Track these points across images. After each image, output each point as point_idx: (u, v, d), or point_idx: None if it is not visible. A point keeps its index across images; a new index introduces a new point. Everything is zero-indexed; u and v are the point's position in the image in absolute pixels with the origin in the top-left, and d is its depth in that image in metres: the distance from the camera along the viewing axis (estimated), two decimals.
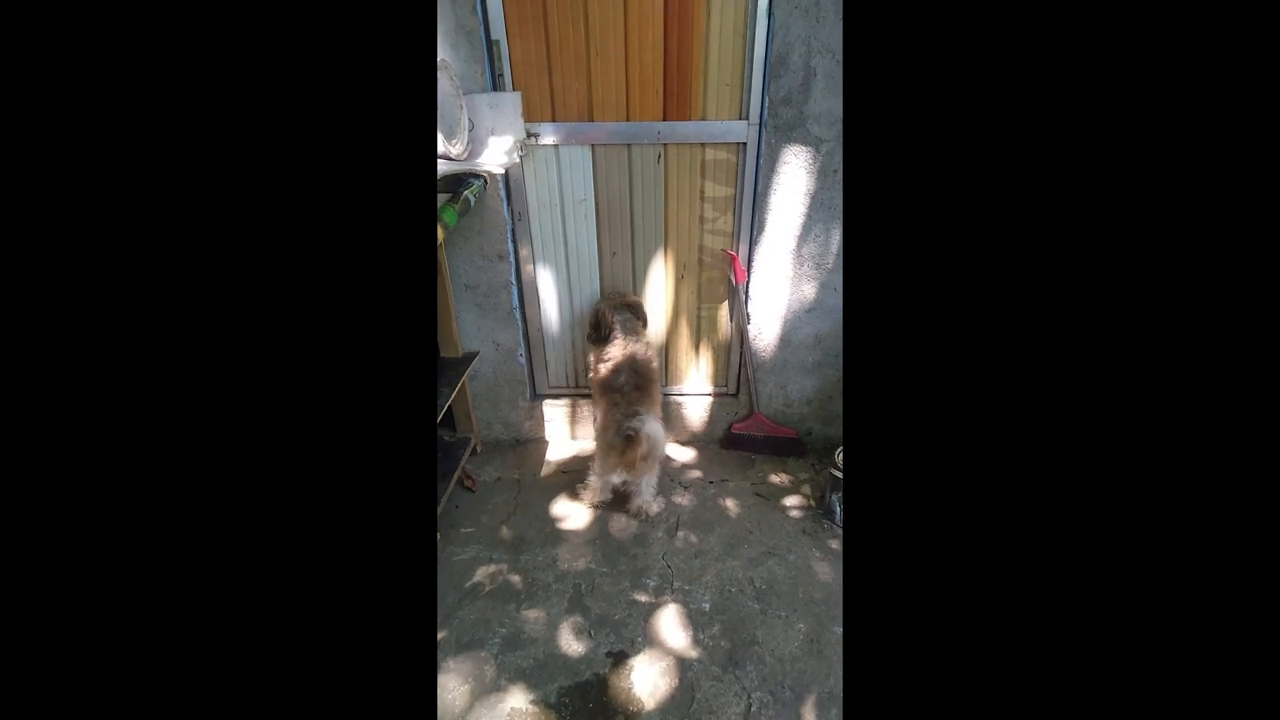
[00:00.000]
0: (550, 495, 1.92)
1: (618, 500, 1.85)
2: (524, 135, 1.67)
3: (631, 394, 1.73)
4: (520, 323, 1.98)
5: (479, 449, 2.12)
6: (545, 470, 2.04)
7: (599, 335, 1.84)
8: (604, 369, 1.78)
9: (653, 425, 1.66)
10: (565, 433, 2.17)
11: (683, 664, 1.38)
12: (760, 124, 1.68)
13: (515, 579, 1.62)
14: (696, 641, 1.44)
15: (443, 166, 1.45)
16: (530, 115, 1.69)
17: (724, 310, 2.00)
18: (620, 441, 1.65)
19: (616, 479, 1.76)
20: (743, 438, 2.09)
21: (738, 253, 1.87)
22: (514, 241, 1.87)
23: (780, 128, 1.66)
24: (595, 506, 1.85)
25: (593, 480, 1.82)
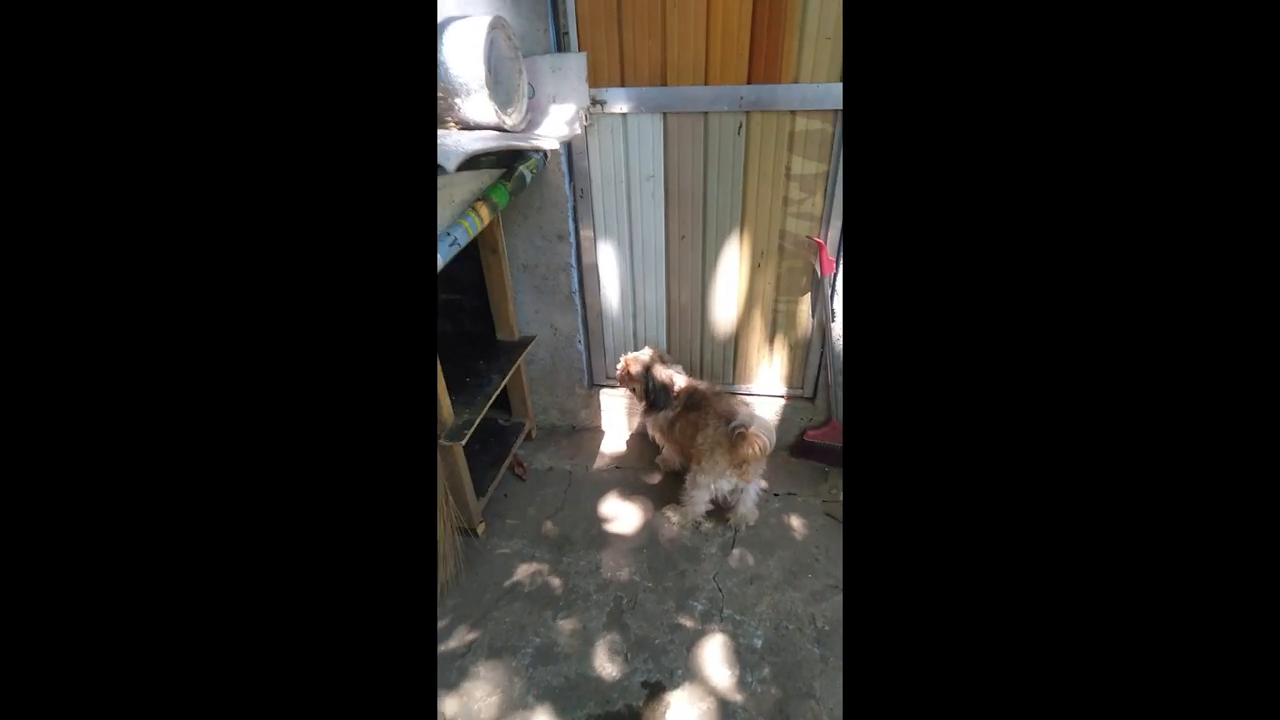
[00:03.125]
0: (601, 491, 1.82)
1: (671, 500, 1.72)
2: (588, 102, 1.50)
3: (713, 402, 1.60)
4: (579, 308, 1.86)
5: (534, 434, 2.06)
6: (599, 463, 1.94)
7: (659, 398, 1.68)
8: (671, 414, 1.69)
9: (762, 418, 1.51)
10: (622, 423, 2.05)
11: (725, 709, 1.24)
12: None
13: (555, 582, 1.54)
14: (743, 684, 1.29)
15: (495, 139, 1.32)
16: (596, 79, 1.51)
17: (805, 304, 1.76)
18: (729, 439, 1.49)
19: (726, 485, 1.58)
20: (817, 447, 1.87)
21: (825, 240, 1.62)
22: (575, 221, 1.73)
23: None
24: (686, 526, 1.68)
25: (692, 495, 1.63)
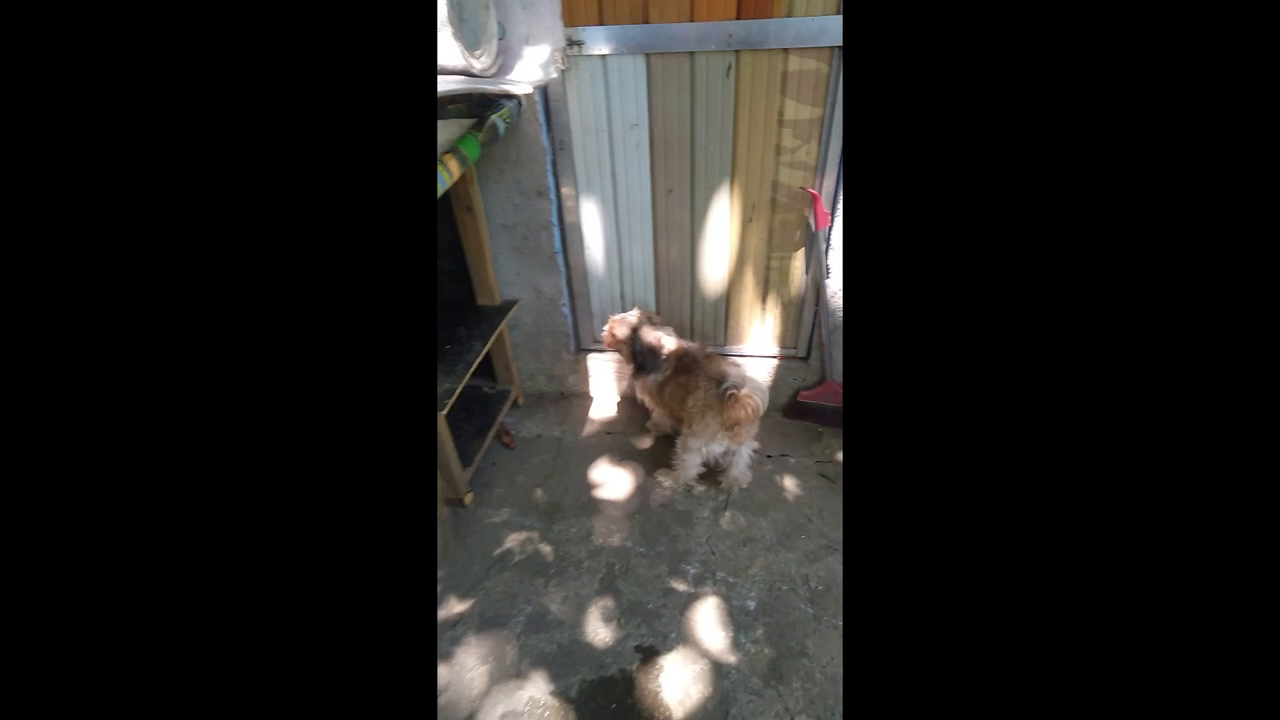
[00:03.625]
0: (591, 457, 1.78)
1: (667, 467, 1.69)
2: (563, 43, 1.38)
3: (704, 364, 1.54)
4: (563, 269, 1.78)
5: (521, 401, 2.01)
6: (588, 429, 1.90)
7: (646, 361, 1.62)
8: (661, 377, 1.64)
9: (754, 379, 1.47)
10: (611, 388, 2.01)
11: (719, 670, 1.24)
12: None
13: (546, 550, 1.51)
14: (736, 645, 1.28)
15: (463, 84, 1.21)
16: (572, 17, 1.39)
17: (798, 260, 1.69)
18: (720, 401, 1.44)
19: (718, 448, 1.54)
20: (811, 407, 1.84)
21: (820, 191, 1.54)
22: (555, 175, 1.63)
23: None
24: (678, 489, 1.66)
25: (684, 459, 1.58)
